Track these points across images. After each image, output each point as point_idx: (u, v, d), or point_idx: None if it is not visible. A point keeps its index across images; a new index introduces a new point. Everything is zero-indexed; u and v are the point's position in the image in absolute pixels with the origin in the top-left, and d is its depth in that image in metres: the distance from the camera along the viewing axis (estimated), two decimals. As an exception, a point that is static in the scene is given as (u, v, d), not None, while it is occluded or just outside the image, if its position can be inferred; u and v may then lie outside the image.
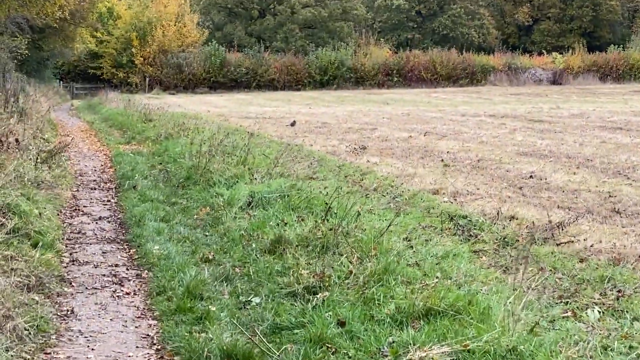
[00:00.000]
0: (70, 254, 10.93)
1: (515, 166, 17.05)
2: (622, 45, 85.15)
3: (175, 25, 71.94)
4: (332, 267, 9.06)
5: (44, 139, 23.34)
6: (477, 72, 78.27)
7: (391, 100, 49.91)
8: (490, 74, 78.14)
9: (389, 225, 10.00)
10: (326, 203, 11.63)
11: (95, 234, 12.25)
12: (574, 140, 21.84)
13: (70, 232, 12.29)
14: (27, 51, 43.59)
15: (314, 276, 8.81)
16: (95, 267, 10.31)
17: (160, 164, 19.31)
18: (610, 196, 13.32)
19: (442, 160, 18.23)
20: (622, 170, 16.33)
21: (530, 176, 15.61)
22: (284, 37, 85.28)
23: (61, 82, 71.81)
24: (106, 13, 72.74)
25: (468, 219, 11.41)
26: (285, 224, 11.37)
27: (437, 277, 8.67)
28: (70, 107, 52.09)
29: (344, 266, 9.10)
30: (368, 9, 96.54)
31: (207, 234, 11.97)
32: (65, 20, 44.65)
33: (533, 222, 10.94)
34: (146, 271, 10.14)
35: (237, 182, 15.03)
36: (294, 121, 28.99)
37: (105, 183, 17.50)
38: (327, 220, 10.78)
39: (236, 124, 28.55)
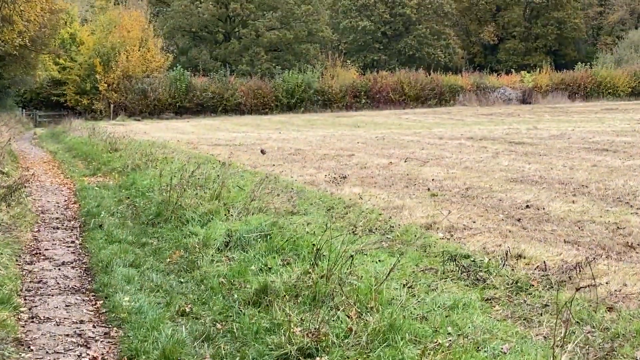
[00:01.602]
0: (30, 308, 9.72)
1: (507, 194, 15.99)
2: (589, 63, 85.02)
3: (139, 50, 70.68)
4: (328, 324, 7.95)
5: (3, 172, 22.06)
6: (445, 92, 77.67)
7: (362, 123, 48.98)
8: (459, 94, 77.54)
9: (390, 272, 8.89)
10: (313, 245, 10.54)
11: (58, 283, 11.03)
12: (563, 164, 20.86)
13: (30, 282, 11.06)
14: (-13, 80, 42.25)
15: (308, 335, 7.71)
16: (58, 325, 9.12)
17: (128, 198, 18.12)
18: (618, 228, 12.30)
19: (429, 189, 17.15)
20: (622, 197, 15.32)
21: (527, 206, 14.56)
22: (250, 60, 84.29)
23: (24, 110, 70.27)
24: (69, 39, 71.39)
25: (471, 259, 10.32)
26: (269, 269, 10.27)
27: (449, 334, 7.60)
28: (32, 136, 50.69)
29: (342, 322, 7.99)
30: (333, 31, 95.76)
31: (182, 280, 10.82)
32: (26, 47, 43.49)
33: (544, 261, 9.87)
34: (115, 329, 8.97)
35: (211, 218, 13.94)
36: (263, 150, 27.83)
37: (69, 221, 16.26)
38: (317, 265, 9.69)
39: (206, 153, 27.40)
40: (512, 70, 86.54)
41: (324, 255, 9.97)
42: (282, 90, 73.27)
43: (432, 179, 18.71)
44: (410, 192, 16.77)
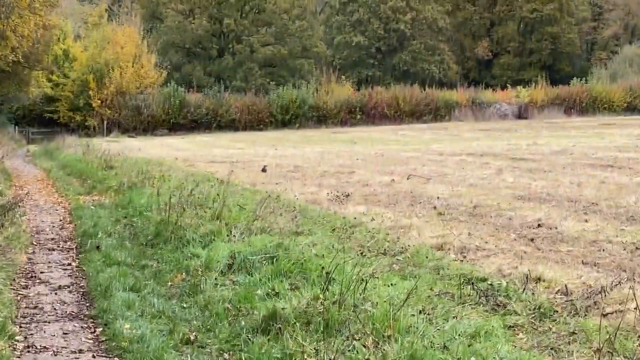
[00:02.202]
0: (25, 337, 9.23)
1: (517, 213, 15.53)
2: (583, 78, 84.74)
3: (132, 66, 70.20)
4: (344, 354, 7.48)
5: (-4, 191, 21.56)
6: (440, 107, 77.30)
7: (358, 139, 48.56)
8: (454, 109, 77.18)
9: (407, 298, 8.42)
10: (322, 268, 10.08)
11: (55, 309, 10.53)
12: (570, 181, 20.41)
13: (25, 307, 10.56)
14: (-21, 97, 41.68)
15: (323, 367, 7.24)
16: (55, 355, 8.63)
17: (125, 217, 17.60)
18: (636, 248, 11.84)
19: (435, 207, 16.67)
20: (636, 215, 14.85)
21: (539, 225, 14.09)
22: (244, 76, 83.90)
23: (16, 127, 69.68)
24: (62, 55, 70.86)
25: (488, 282, 9.83)
26: (277, 294, 9.77)
27: (473, 365, 7.14)
28: (26, 153, 50.13)
29: (358, 353, 7.50)
30: (327, 46, 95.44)
31: (184, 305, 10.33)
32: (19, 63, 43.00)
33: (565, 285, 9.41)
34: (117, 359, 8.49)
35: (213, 239, 13.43)
36: (265, 167, 27.32)
37: (65, 242, 15.76)
38: (328, 289, 9.22)
39: (204, 170, 26.89)
40: (507, 85, 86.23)
41: (333, 279, 9.51)
42: (277, 106, 72.85)
43: (437, 197, 18.24)
44: (416, 211, 16.30)
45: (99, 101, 68.46)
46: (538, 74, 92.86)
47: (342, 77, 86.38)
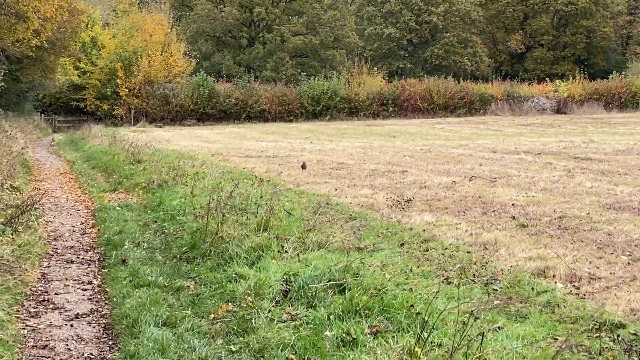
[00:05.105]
0: (30, 394, 7.08)
1: (614, 227, 13.18)
2: (620, 72, 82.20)
3: (161, 54, 68.19)
4: None
5: (13, 187, 19.43)
6: (475, 101, 74.96)
7: (396, 133, 46.24)
8: (490, 103, 74.76)
9: (548, 364, 6.16)
10: (411, 305, 7.86)
11: (69, 349, 8.33)
12: (660, 187, 18.06)
13: (33, 346, 8.37)
14: (3, 83, 39.64)
15: None
16: None
17: (155, 222, 15.40)
18: None
19: (514, 217, 14.33)
20: None
21: (650, 244, 11.81)
22: (274, 66, 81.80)
23: (42, 114, 67.93)
24: (90, 43, 69.01)
25: (630, 330, 7.56)
26: (355, 341, 7.54)
27: None
28: (50, 142, 48.23)
29: None
30: (358, 37, 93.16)
31: (233, 348, 8.10)
32: (44, 49, 41.12)
33: None
34: None
35: (261, 255, 11.20)
36: (304, 163, 24.97)
37: (86, 251, 13.56)
38: (424, 340, 6.98)
39: (240, 166, 24.65)
40: (546, 79, 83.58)
41: (425, 322, 7.26)
42: (308, 97, 70.74)
43: (512, 204, 15.89)
44: (493, 222, 13.97)
45: (127, 90, 66.53)
46: (572, 68, 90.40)
47: (374, 68, 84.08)
